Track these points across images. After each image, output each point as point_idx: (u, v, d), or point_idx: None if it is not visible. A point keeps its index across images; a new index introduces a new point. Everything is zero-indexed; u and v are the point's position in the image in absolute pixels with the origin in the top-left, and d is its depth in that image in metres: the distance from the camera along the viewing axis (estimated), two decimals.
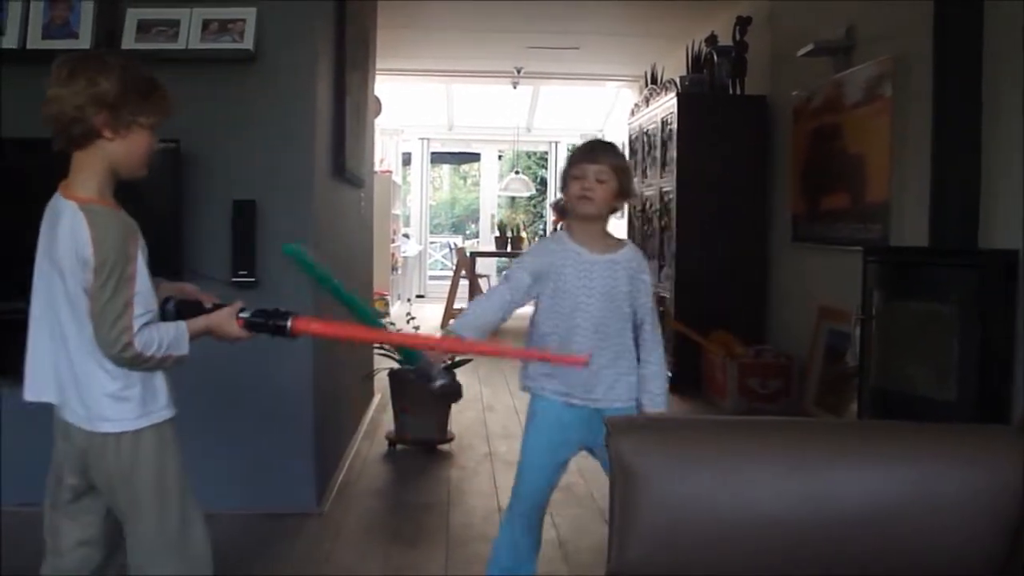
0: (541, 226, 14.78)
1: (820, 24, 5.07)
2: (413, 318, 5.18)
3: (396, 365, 4.58)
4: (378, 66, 5.78)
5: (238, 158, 3.47)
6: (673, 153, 6.14)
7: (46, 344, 1.93)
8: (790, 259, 5.67)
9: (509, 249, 9.67)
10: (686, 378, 5.98)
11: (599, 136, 2.74)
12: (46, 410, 1.98)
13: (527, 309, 2.66)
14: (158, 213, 3.33)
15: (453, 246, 12.88)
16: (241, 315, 1.99)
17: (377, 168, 7.26)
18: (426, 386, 2.48)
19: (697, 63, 6.63)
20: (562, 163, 2.70)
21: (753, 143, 6.00)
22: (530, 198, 15.77)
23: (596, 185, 2.56)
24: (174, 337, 1.90)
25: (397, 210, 11.84)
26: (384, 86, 8.00)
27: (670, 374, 6.09)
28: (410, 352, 2.68)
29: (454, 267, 10.29)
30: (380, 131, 8.21)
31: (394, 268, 11.06)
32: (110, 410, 1.90)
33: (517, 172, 13.47)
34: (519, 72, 9.50)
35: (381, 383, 5.18)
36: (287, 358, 3.36)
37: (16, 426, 3.28)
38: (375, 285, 6.46)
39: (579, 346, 2.55)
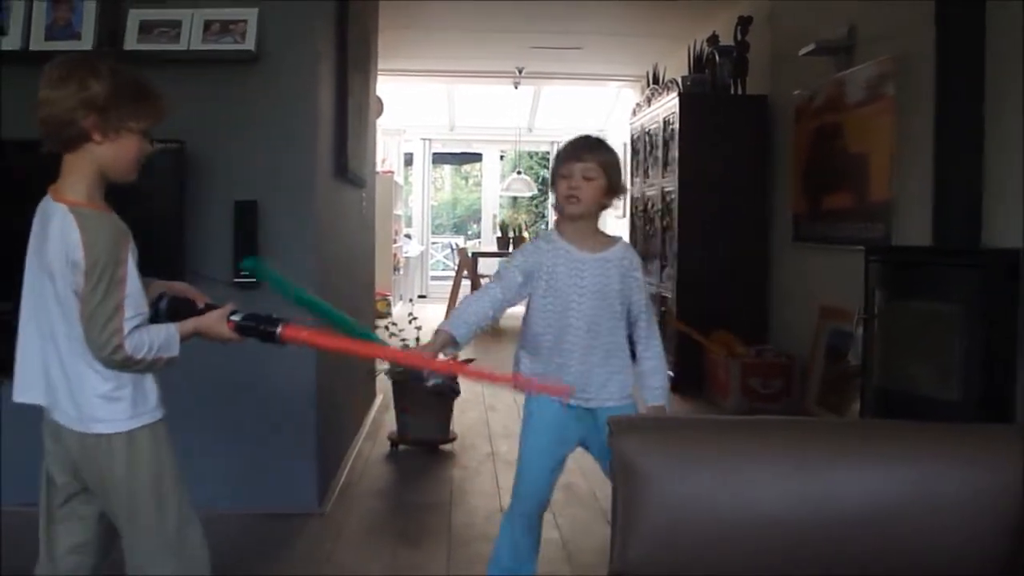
0: (543, 226, 14.80)
1: (820, 24, 5.07)
2: (415, 318, 5.17)
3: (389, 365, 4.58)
4: (380, 66, 5.78)
5: (240, 159, 3.48)
6: (675, 153, 6.14)
7: (36, 345, 1.93)
8: (792, 259, 5.67)
9: (511, 249, 9.68)
10: (688, 378, 5.98)
11: (598, 134, 2.72)
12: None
13: (519, 309, 2.66)
14: (161, 213, 3.34)
15: (455, 247, 12.88)
16: (232, 318, 1.99)
17: (379, 168, 7.26)
18: (420, 385, 2.49)
19: (699, 63, 6.63)
20: None
21: (754, 143, 6.00)
22: (532, 198, 15.79)
23: (583, 184, 2.54)
24: (164, 339, 1.91)
25: (399, 210, 11.85)
26: (386, 86, 8.01)
27: (672, 374, 6.10)
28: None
29: (456, 267, 10.30)
30: (382, 131, 8.21)
31: (396, 268, 11.07)
32: (102, 411, 1.90)
33: (519, 172, 13.48)
34: (521, 72, 9.50)
35: (383, 383, 5.19)
36: (290, 358, 3.34)
37: (16, 426, 3.28)
38: (377, 285, 6.46)
39: (571, 345, 2.55)
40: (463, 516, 3.66)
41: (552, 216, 12.39)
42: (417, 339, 4.56)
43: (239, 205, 3.42)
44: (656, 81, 7.51)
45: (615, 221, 10.24)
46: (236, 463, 3.52)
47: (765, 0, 6.05)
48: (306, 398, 3.55)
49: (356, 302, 4.85)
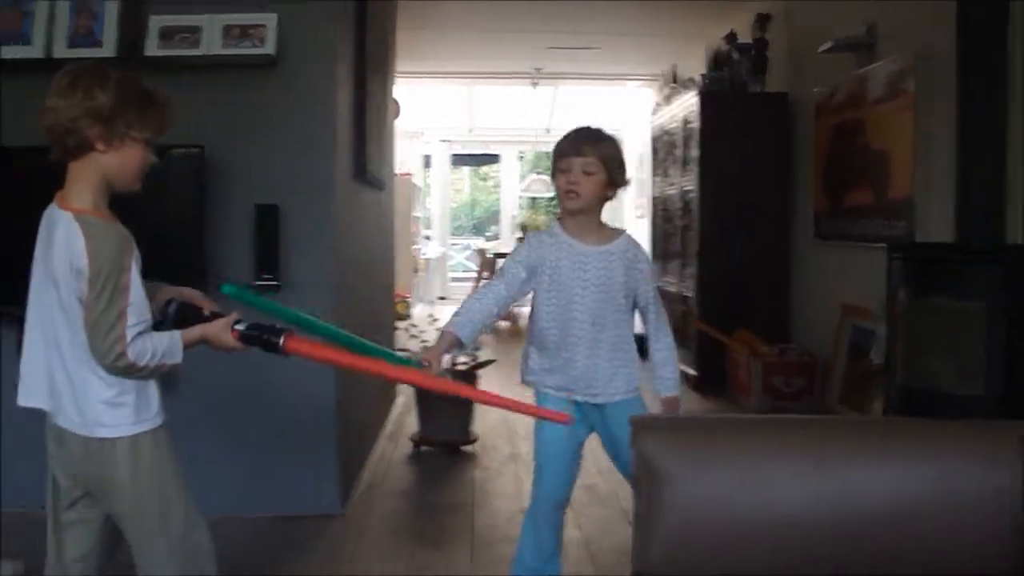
0: None
1: (838, 21, 5.05)
2: (436, 320, 5.19)
3: None
4: (398, 68, 5.80)
5: (260, 162, 3.49)
6: (694, 152, 6.13)
7: (40, 351, 1.95)
8: (813, 256, 5.64)
9: None
10: (710, 377, 5.97)
11: (599, 126, 2.68)
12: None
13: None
14: (181, 217, 3.37)
15: (474, 249, 12.90)
16: (236, 327, 2.00)
17: (398, 171, 7.28)
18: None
19: (717, 61, 6.61)
20: None
21: (774, 140, 5.97)
22: (551, 199, 15.76)
23: (583, 178, 2.52)
24: (168, 347, 1.92)
25: (418, 212, 11.87)
26: (404, 88, 8.04)
27: (695, 373, 6.11)
28: (400, 358, 2.66)
29: (478, 269, 10.31)
30: (401, 134, 8.24)
31: (416, 270, 11.09)
32: (105, 416, 1.92)
33: (538, 173, 13.48)
34: (538, 72, 9.50)
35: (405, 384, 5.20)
36: (311, 362, 3.36)
37: (16, 426, 3.31)
38: (397, 287, 6.48)
39: (576, 339, 2.54)
40: (485, 517, 3.66)
41: None
42: None
43: (260, 208, 3.44)
44: (675, 80, 7.49)
45: (635, 221, 10.23)
46: (259, 466, 3.54)
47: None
48: (327, 400, 3.56)
49: (376, 304, 4.87)
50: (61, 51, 3.33)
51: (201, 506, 2.09)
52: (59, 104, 1.87)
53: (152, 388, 1.98)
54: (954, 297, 3.49)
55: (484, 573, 3.09)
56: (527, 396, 2.68)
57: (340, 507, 3.61)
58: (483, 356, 4.90)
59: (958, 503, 1.55)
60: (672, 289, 6.83)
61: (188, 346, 1.96)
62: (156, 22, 3.39)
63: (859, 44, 4.81)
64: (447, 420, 4.59)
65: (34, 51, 3.33)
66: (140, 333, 1.88)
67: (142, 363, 1.87)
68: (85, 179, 1.91)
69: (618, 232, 2.66)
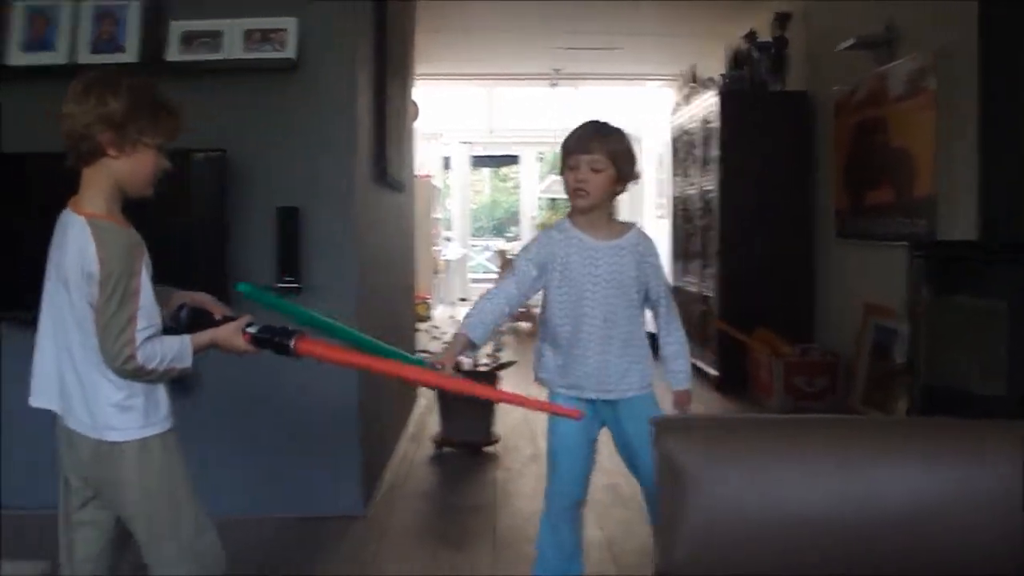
0: None
1: (857, 19, 5.03)
2: (457, 321, 5.19)
3: None
4: (417, 70, 5.82)
5: (281, 165, 3.51)
6: (714, 151, 6.11)
7: (51, 353, 1.98)
8: (834, 255, 5.62)
9: None
10: (732, 378, 5.96)
11: (606, 120, 2.64)
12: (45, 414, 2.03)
13: None
14: (204, 221, 3.40)
15: (495, 250, 12.91)
16: (248, 330, 2.02)
17: (417, 173, 7.30)
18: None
19: (737, 60, 6.59)
20: None
21: (794, 139, 5.95)
22: None
23: (591, 176, 2.50)
24: (178, 351, 1.94)
25: (438, 214, 11.90)
26: (424, 90, 8.06)
27: (716, 373, 6.09)
28: (414, 359, 2.67)
29: (498, 270, 10.33)
30: (420, 136, 8.26)
31: (436, 271, 11.12)
32: (115, 419, 1.94)
33: (558, 174, 13.47)
34: (558, 73, 9.50)
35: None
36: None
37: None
38: (418, 289, 6.50)
39: (588, 335, 2.53)
40: (507, 518, 3.67)
41: None
42: None
43: (281, 211, 3.46)
44: (694, 80, 7.48)
45: (655, 221, 10.22)
46: (281, 467, 3.56)
47: None
48: (350, 401, 3.58)
49: (397, 306, 4.89)
50: (85, 57, 3.37)
51: (224, 507, 2.11)
52: (74, 110, 1.90)
53: (161, 392, 2.00)
54: (976, 296, 3.47)
55: (506, 574, 3.09)
56: (543, 394, 2.68)
57: (362, 508, 3.63)
58: (504, 357, 4.91)
59: (983, 503, 1.54)
60: (693, 289, 6.81)
61: (199, 350, 1.98)
62: (177, 27, 3.42)
63: (879, 42, 4.79)
64: (469, 421, 4.60)
65: (58, 57, 3.37)
66: (150, 337, 1.90)
67: (151, 366, 1.89)
68: (98, 184, 1.94)
69: (628, 226, 2.65)
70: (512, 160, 16.10)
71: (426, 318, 9.02)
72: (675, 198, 7.48)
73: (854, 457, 1.61)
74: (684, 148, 7.08)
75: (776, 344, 5.57)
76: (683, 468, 1.60)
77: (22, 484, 3.36)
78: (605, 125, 2.61)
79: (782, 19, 6.02)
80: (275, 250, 3.46)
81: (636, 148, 2.67)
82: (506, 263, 9.87)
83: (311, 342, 2.04)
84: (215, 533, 2.07)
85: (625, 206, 11.97)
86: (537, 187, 14.37)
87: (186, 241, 3.36)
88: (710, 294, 6.28)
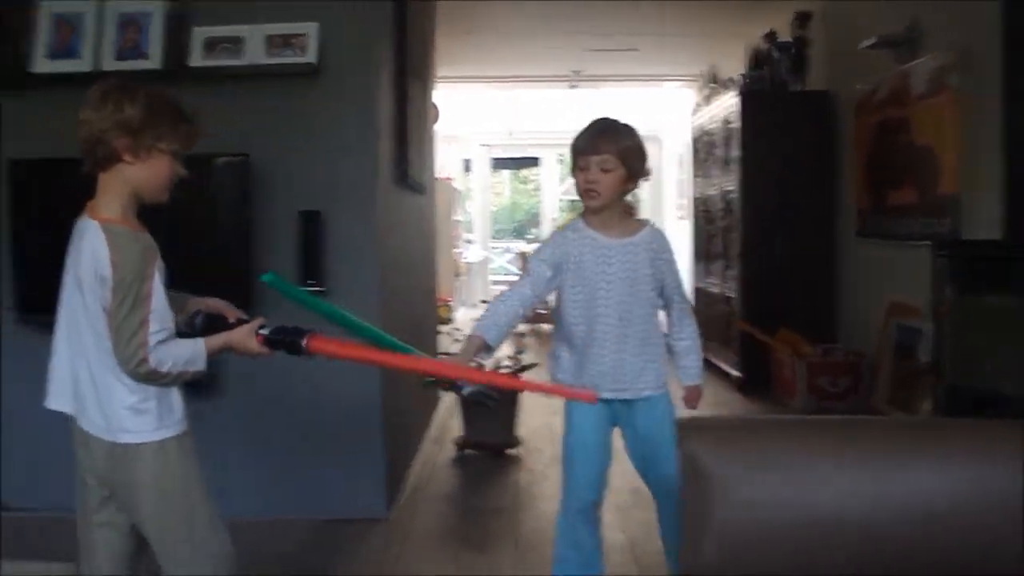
0: None
1: (878, 18, 5.00)
2: None
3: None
4: (437, 73, 5.83)
5: (303, 169, 3.53)
6: (735, 152, 6.10)
7: (66, 356, 2.00)
8: (857, 255, 5.59)
9: None
10: (754, 379, 5.94)
11: (615, 117, 2.60)
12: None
13: None
14: (228, 224, 3.43)
15: (516, 252, 12.91)
16: (261, 332, 2.03)
17: (438, 175, 7.32)
18: (457, 394, 2.48)
19: (757, 60, 6.57)
20: None
21: (815, 139, 5.92)
22: None
23: (601, 176, 2.49)
24: (190, 354, 1.96)
25: (459, 216, 11.92)
26: (443, 93, 8.07)
27: (739, 374, 6.07)
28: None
29: (519, 272, 10.32)
30: (441, 138, 8.29)
31: (457, 274, 11.14)
32: (129, 422, 1.96)
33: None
34: (577, 75, 9.50)
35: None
36: (356, 365, 3.38)
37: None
38: (439, 291, 6.51)
39: (603, 335, 2.51)
40: (530, 521, 3.67)
41: None
42: None
43: (303, 215, 3.48)
44: (714, 80, 7.46)
45: (676, 222, 10.19)
46: (304, 469, 3.58)
47: None
48: (372, 403, 3.59)
49: (419, 308, 4.90)
50: (109, 64, 3.40)
51: (247, 509, 2.12)
52: (91, 116, 1.93)
53: (175, 395, 2.02)
54: (1001, 295, 3.44)
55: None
56: None
57: (385, 510, 3.64)
58: (526, 359, 4.91)
59: (1017, 504, 1.53)
60: (715, 290, 6.80)
61: (212, 354, 2.00)
62: (200, 33, 3.45)
63: (901, 40, 4.76)
64: (491, 423, 4.60)
65: (83, 64, 3.41)
66: (162, 340, 1.92)
67: (164, 369, 1.91)
68: (113, 190, 1.96)
69: (642, 223, 2.64)
70: (532, 162, 16.10)
71: (448, 320, 9.04)
72: (696, 199, 7.46)
73: (880, 458, 1.61)
74: (704, 149, 7.06)
75: (799, 345, 5.55)
76: (708, 470, 1.60)
77: (22, 484, 3.41)
78: (613, 123, 2.59)
79: (802, 19, 6.00)
80: (298, 253, 3.48)
81: (650, 146, 2.66)
82: (526, 266, 9.88)
83: (322, 340, 2.05)
84: (228, 539, 2.09)
85: (646, 207, 11.97)
86: (558, 189, 14.36)
87: (210, 245, 3.39)
88: (732, 295, 6.26)
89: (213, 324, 2.07)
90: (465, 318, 9.61)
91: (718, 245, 6.65)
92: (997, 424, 1.74)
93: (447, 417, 5.34)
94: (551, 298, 2.70)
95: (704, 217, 7.14)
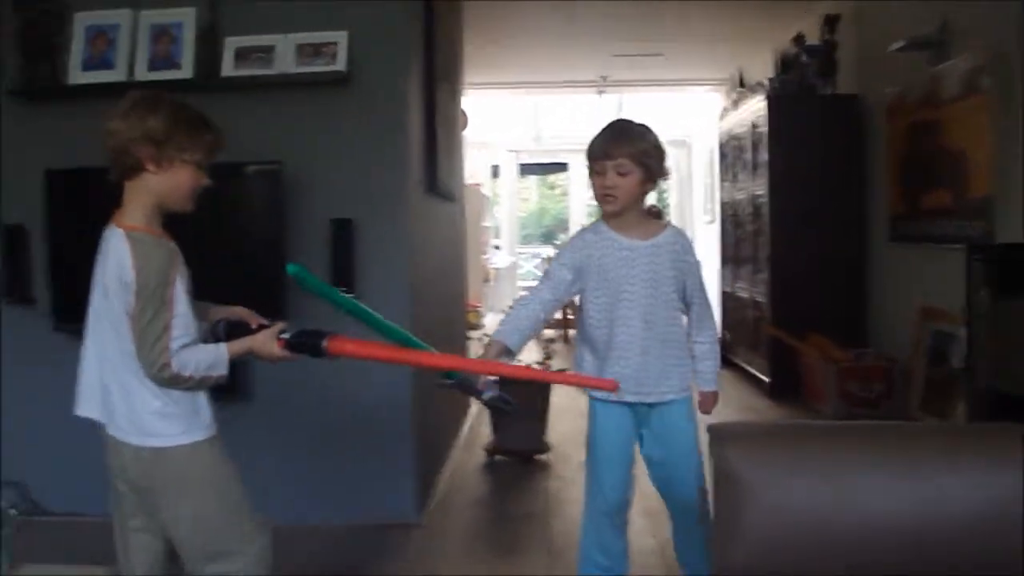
0: None
1: (907, 20, 4.97)
2: None
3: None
4: (466, 80, 5.85)
5: (335, 177, 3.56)
6: (764, 156, 6.07)
7: (95, 362, 2.04)
8: (888, 259, 5.55)
9: None
10: (784, 384, 5.90)
11: (630, 118, 2.59)
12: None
13: None
14: (261, 232, 3.46)
15: (544, 257, 12.92)
16: (282, 336, 2.05)
17: (467, 181, 7.34)
18: (476, 399, 2.48)
19: (785, 64, 6.55)
20: None
21: (844, 142, 5.88)
22: None
23: (618, 180, 2.47)
24: (213, 359, 1.98)
25: (488, 222, 11.94)
26: (472, 99, 8.10)
27: (768, 379, 6.04)
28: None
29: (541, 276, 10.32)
30: (469, 144, 8.32)
31: (486, 280, 11.15)
32: (156, 426, 1.98)
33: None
34: (604, 80, 9.50)
35: None
36: (385, 371, 3.41)
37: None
38: (468, 297, 6.53)
39: (627, 337, 2.50)
40: (561, 525, 3.67)
41: None
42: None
43: (335, 223, 3.50)
44: (742, 84, 7.44)
45: (704, 226, 10.16)
46: (336, 475, 3.60)
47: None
48: (402, 409, 3.61)
49: (448, 313, 4.92)
50: (142, 74, 3.45)
51: (278, 515, 2.13)
52: (117, 128, 1.97)
53: (202, 399, 2.04)
54: None
55: None
56: (584, 399, 2.70)
57: (417, 516, 3.65)
58: (554, 365, 4.91)
59: None
60: (744, 295, 6.77)
61: (235, 358, 2.02)
62: (231, 43, 3.49)
63: (932, 42, 4.72)
64: (521, 429, 4.61)
65: (117, 75, 3.46)
66: (185, 345, 1.95)
67: (186, 374, 1.94)
68: (138, 199, 2.00)
69: (664, 225, 2.63)
70: (560, 168, 16.09)
71: (478, 326, 9.05)
72: (724, 203, 7.44)
73: (919, 464, 1.60)
74: (733, 153, 7.04)
75: (829, 350, 5.51)
76: (739, 475, 1.60)
77: (56, 488, 3.45)
78: (628, 126, 2.58)
79: (831, 21, 5.96)
80: (329, 260, 3.50)
81: (679, 150, 2.66)
82: None
83: (342, 341, 2.06)
84: (268, 537, 2.11)
85: (675, 212, 11.93)
86: (585, 194, 14.34)
87: (243, 253, 3.42)
88: (761, 299, 6.23)
89: (235, 331, 2.10)
90: (494, 323, 9.61)
91: (747, 249, 6.62)
92: None
93: (476, 423, 5.35)
94: (578, 300, 2.70)
95: (732, 221, 7.11)
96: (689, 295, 2.60)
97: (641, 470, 2.69)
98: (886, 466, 1.60)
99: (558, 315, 9.36)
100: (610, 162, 2.48)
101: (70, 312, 3.28)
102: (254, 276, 3.36)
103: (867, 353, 5.53)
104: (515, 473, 4.49)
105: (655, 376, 2.53)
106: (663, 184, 2.69)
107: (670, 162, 2.62)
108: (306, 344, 2.05)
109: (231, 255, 3.33)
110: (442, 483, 4.19)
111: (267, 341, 2.05)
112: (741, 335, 6.85)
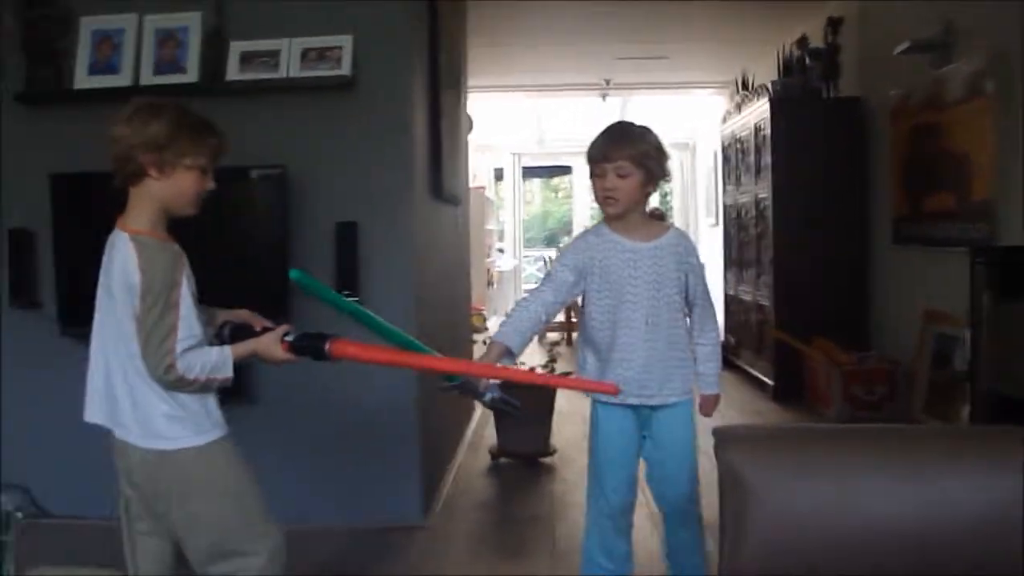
0: None
1: (911, 22, 4.97)
2: None
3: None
4: (469, 83, 5.86)
5: (339, 181, 3.57)
6: (767, 159, 6.07)
7: (101, 366, 2.04)
8: (892, 262, 5.55)
9: None
10: (788, 387, 5.90)
11: (630, 120, 2.59)
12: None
13: None
14: (266, 235, 3.47)
15: (547, 260, 12.92)
16: (286, 338, 2.06)
17: (471, 185, 7.35)
18: (479, 400, 2.49)
19: (788, 67, 6.55)
20: None
21: (848, 145, 5.87)
22: None
23: (618, 183, 2.47)
24: (218, 361, 1.99)
25: (491, 225, 11.95)
26: (475, 103, 8.11)
27: (772, 383, 6.04)
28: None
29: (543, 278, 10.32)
30: (473, 148, 8.32)
31: (490, 283, 11.16)
32: (165, 429, 1.99)
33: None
34: (608, 84, 9.50)
35: None
36: (391, 374, 3.41)
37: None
38: (473, 300, 6.53)
39: (630, 339, 2.50)
40: (565, 528, 3.67)
41: None
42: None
43: (340, 226, 3.51)
44: (745, 87, 7.44)
45: (708, 229, 10.16)
46: (340, 477, 3.60)
47: (853, 1, 5.95)
48: (406, 412, 3.61)
49: (452, 316, 4.92)
50: (148, 79, 3.46)
51: (283, 517, 2.14)
52: (120, 134, 1.99)
53: (211, 400, 2.05)
54: None
55: None
56: (587, 402, 2.70)
57: (422, 518, 3.66)
58: (559, 368, 4.92)
59: None
60: (747, 298, 6.77)
61: (239, 361, 2.03)
62: (236, 47, 3.50)
63: (935, 45, 4.72)
64: (526, 432, 4.61)
65: (123, 79, 3.47)
66: (190, 347, 1.96)
67: (191, 376, 1.95)
68: (142, 204, 2.02)
69: (667, 227, 2.64)
70: (564, 171, 16.10)
71: (482, 329, 9.06)
72: (727, 206, 7.44)
73: (924, 467, 1.60)
74: (736, 156, 7.04)
75: (834, 353, 5.51)
76: (745, 478, 1.61)
77: (61, 491, 3.46)
78: (628, 128, 2.58)
79: (834, 24, 5.97)
80: (333, 264, 3.51)
81: (683, 153, 2.67)
82: None
83: (345, 343, 2.08)
84: (282, 537, 2.11)
85: (678, 215, 11.94)
86: (588, 197, 14.33)
87: (248, 256, 3.43)
88: (765, 302, 6.23)
89: (240, 334, 2.11)
90: (497, 327, 9.61)
91: (751, 252, 6.62)
92: None
93: (481, 426, 5.36)
94: (580, 302, 2.70)
95: (736, 224, 7.11)
96: (692, 297, 2.60)
97: (640, 470, 2.69)
98: (889, 469, 1.61)
99: (561, 318, 9.37)
100: (610, 164, 2.48)
101: (76, 316, 3.30)
102: (258, 279, 3.37)
103: (870, 356, 5.53)
104: (519, 476, 4.50)
105: (658, 378, 2.53)
106: (666, 187, 2.69)
107: (673, 165, 2.62)
108: (309, 347, 2.06)
109: (235, 258, 3.34)
110: (446, 486, 4.20)
111: (271, 344, 2.06)
112: (745, 338, 6.85)
